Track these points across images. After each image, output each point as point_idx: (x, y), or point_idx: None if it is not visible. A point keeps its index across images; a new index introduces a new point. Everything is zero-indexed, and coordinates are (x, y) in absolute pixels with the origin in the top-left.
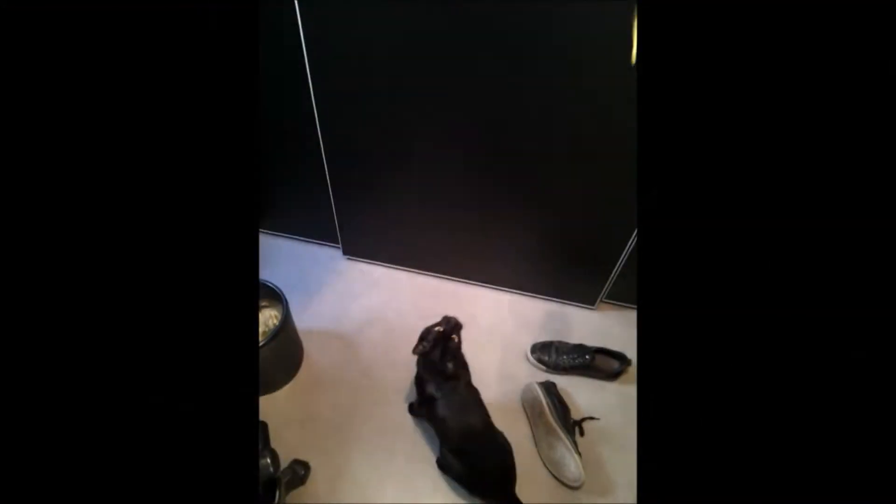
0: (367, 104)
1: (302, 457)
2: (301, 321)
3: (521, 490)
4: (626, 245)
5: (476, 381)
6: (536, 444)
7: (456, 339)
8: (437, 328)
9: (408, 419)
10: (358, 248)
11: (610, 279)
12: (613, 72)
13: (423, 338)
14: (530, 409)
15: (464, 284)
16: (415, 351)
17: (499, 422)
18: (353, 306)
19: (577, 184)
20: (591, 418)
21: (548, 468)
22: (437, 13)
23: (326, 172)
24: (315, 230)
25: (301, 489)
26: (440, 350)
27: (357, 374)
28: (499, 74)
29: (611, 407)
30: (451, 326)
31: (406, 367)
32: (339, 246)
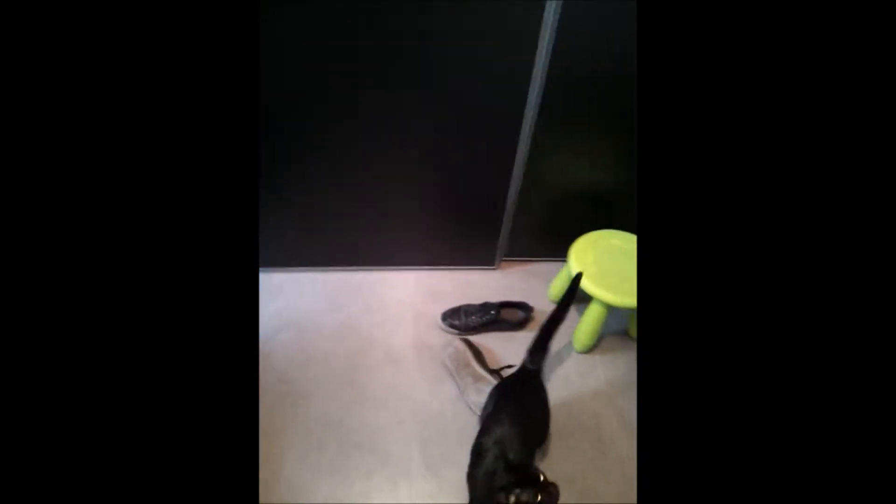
0: None
1: None
2: None
3: (457, 444)
4: (505, 202)
5: (394, 356)
6: (463, 394)
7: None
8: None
9: (331, 411)
10: None
11: (501, 237)
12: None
13: None
14: (454, 363)
15: (370, 272)
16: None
17: (424, 387)
18: (260, 316)
19: (456, 154)
20: (509, 367)
21: (477, 413)
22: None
23: None
24: None
25: None
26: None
27: (274, 380)
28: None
29: (522, 354)
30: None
31: (325, 361)
32: None
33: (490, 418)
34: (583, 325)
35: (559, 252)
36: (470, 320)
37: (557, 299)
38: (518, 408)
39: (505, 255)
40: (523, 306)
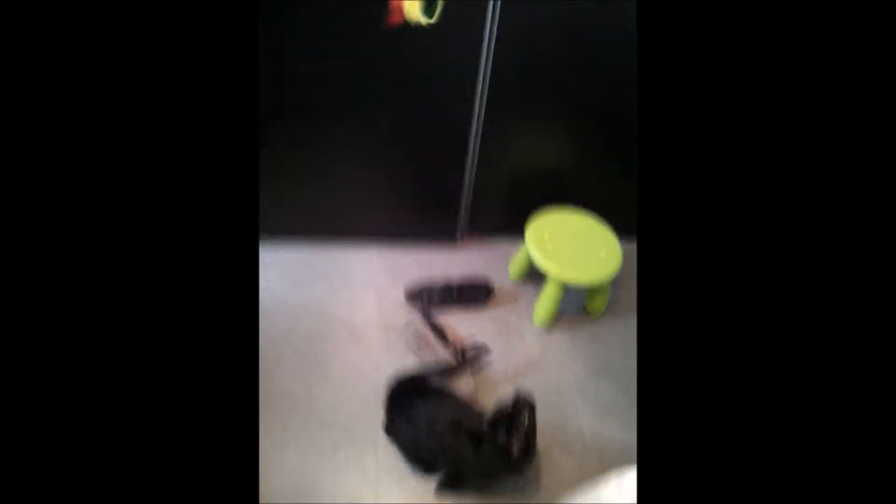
0: None
1: None
2: None
3: None
4: (462, 176)
5: (359, 335)
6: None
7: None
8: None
9: (296, 389)
10: None
11: (461, 212)
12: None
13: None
14: (416, 343)
15: (332, 250)
16: None
17: (388, 365)
18: None
19: (413, 126)
20: (475, 346)
21: None
22: None
23: None
24: None
25: None
26: (505, 427)
27: None
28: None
29: (485, 331)
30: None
31: (286, 340)
32: None
33: (420, 422)
34: (541, 301)
35: (520, 229)
36: (432, 298)
37: (517, 279)
38: (429, 401)
39: (466, 232)
40: (484, 284)
